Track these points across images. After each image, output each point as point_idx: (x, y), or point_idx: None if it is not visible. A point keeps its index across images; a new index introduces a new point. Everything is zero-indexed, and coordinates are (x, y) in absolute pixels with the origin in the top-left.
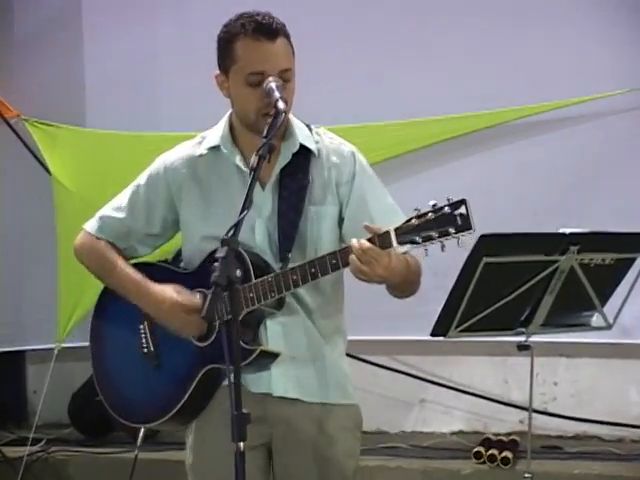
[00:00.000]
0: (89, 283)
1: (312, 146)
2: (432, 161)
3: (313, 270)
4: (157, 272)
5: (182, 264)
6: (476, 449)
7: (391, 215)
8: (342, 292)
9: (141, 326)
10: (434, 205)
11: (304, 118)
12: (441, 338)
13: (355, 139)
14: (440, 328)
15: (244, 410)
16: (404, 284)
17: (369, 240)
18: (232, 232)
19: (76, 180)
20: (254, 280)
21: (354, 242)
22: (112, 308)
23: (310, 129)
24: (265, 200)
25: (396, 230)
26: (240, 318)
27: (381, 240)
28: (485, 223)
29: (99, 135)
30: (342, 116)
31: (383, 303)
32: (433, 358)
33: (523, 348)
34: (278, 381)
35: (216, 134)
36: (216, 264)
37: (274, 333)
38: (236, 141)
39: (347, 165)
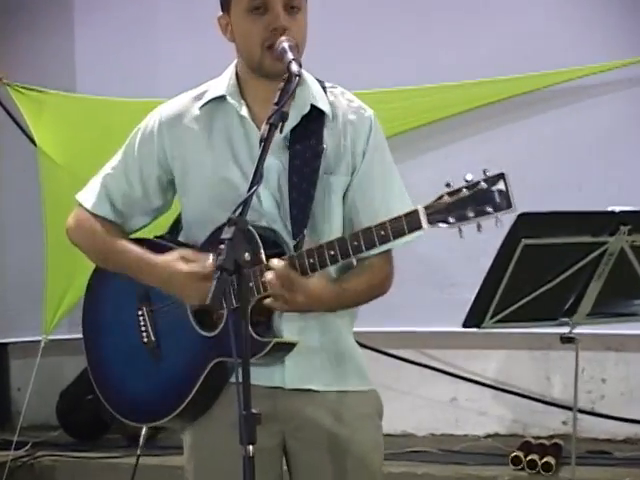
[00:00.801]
0: (81, 267)
1: (325, 107)
2: (467, 129)
3: (332, 252)
4: (155, 251)
5: (182, 237)
6: (514, 454)
7: (395, 202)
8: None
9: (139, 312)
10: (468, 180)
11: (341, 82)
12: (475, 329)
13: (392, 103)
14: (473, 318)
15: (253, 410)
16: (338, 308)
17: (396, 222)
18: (240, 210)
19: (65, 152)
20: (265, 262)
21: (274, 262)
22: (104, 291)
23: (324, 88)
24: (270, 164)
25: (426, 209)
26: (251, 305)
27: (409, 220)
28: (524, 200)
29: (91, 102)
30: (380, 79)
31: (409, 291)
32: (465, 352)
33: (567, 341)
34: (292, 372)
35: (222, 84)
36: (222, 246)
37: (288, 318)
38: (242, 92)
39: (364, 131)
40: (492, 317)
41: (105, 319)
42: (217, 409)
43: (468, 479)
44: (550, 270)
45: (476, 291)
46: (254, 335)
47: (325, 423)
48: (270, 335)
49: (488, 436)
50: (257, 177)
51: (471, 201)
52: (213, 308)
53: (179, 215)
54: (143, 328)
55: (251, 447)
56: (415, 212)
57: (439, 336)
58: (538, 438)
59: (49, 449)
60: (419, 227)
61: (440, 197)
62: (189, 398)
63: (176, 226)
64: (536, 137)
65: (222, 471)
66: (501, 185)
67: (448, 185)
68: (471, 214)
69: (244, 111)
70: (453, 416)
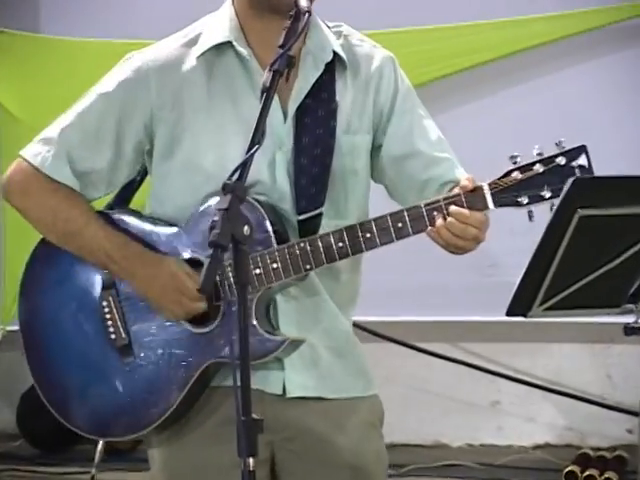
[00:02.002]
0: None
1: (342, 54)
2: (506, 78)
3: (369, 235)
4: (128, 228)
5: (151, 212)
6: (569, 468)
7: (440, 147)
8: None
9: (104, 302)
10: (540, 154)
11: (352, 22)
12: (520, 319)
13: (414, 47)
14: (519, 306)
15: (255, 415)
16: None
17: (453, 198)
18: (237, 175)
19: (28, 105)
20: (275, 245)
21: (454, 208)
22: (53, 273)
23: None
24: (289, 128)
25: (491, 186)
26: (258, 296)
27: (470, 199)
28: None
29: (57, 43)
30: (398, 17)
31: (441, 273)
32: (510, 346)
33: (632, 332)
34: (294, 378)
35: (220, 26)
36: (216, 218)
37: (286, 312)
38: (245, 35)
39: (385, 74)
40: (541, 304)
41: (55, 309)
42: (196, 417)
43: None
44: (612, 247)
45: (522, 272)
46: (263, 332)
47: (323, 433)
48: (273, 331)
49: (537, 447)
50: (258, 136)
51: (547, 179)
52: (204, 292)
53: (132, 182)
54: (110, 322)
55: (251, 460)
56: (478, 189)
57: (478, 327)
58: (597, 450)
59: (9, 462)
60: (483, 208)
61: (508, 173)
62: (174, 407)
63: (125, 194)
64: (592, 86)
65: None
66: (582, 160)
67: (513, 158)
68: (547, 194)
69: (255, 63)
70: (495, 423)
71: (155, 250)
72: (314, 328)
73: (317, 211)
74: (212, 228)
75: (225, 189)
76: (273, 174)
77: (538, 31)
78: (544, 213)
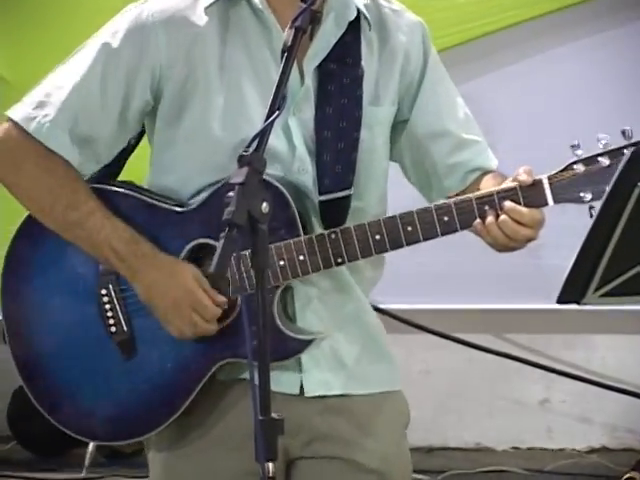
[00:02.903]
0: None
1: (366, 12)
2: (571, 31)
3: (410, 228)
4: (130, 209)
5: (151, 185)
6: (628, 475)
7: (468, 127)
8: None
9: (103, 291)
10: (606, 144)
11: None
12: (574, 306)
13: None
14: (572, 291)
15: (275, 414)
16: None
17: (508, 193)
18: (255, 146)
19: (20, 67)
20: (302, 234)
21: (509, 204)
22: (42, 257)
23: None
24: (307, 92)
25: (551, 180)
26: (279, 292)
27: (527, 195)
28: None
29: None
30: None
31: (482, 256)
32: (561, 337)
33: None
34: (313, 375)
35: None
36: (231, 194)
37: (307, 302)
38: None
39: (416, 41)
40: (597, 289)
41: (44, 296)
42: (203, 416)
43: None
44: None
45: (574, 254)
46: (287, 331)
47: (348, 435)
48: (291, 326)
49: (592, 451)
50: (278, 100)
51: (613, 172)
52: (216, 276)
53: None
54: (110, 314)
55: (271, 465)
56: (538, 184)
57: (525, 316)
58: None
59: (0, 468)
60: (542, 204)
61: (570, 166)
62: (180, 410)
63: (116, 166)
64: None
65: None
66: None
67: (574, 147)
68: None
69: (272, 17)
70: (544, 424)
71: (162, 237)
72: (341, 320)
73: (343, 193)
74: (227, 205)
75: (241, 161)
76: (291, 141)
77: None
78: None
